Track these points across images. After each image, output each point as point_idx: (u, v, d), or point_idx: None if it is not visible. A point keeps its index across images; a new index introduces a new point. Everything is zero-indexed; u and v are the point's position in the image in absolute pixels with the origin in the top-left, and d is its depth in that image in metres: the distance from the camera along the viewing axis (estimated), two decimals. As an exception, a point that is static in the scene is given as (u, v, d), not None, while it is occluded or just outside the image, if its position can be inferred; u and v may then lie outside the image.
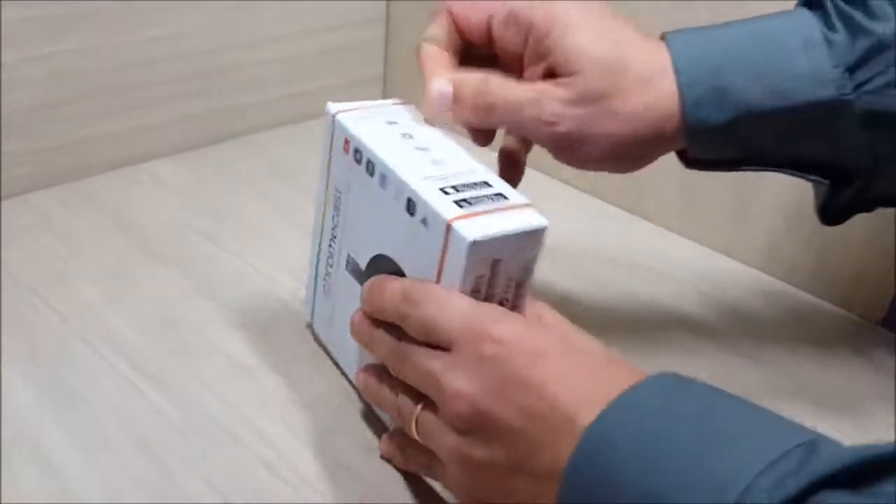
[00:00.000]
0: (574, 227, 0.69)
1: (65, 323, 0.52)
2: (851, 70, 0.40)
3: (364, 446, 0.44)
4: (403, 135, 0.43)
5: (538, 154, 0.79)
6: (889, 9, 0.40)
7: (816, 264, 0.61)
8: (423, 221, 0.38)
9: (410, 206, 0.39)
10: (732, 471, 0.27)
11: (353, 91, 0.85)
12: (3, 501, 0.40)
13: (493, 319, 0.36)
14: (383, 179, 0.41)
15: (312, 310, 0.51)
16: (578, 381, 0.34)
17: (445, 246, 0.37)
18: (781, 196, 0.62)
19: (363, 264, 0.44)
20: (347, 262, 0.46)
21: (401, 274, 0.41)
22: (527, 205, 0.38)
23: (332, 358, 0.50)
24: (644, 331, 0.57)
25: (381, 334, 0.40)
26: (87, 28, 0.65)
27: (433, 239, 0.37)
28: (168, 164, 0.73)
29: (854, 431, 0.47)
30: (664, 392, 0.32)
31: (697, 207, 0.67)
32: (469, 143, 0.45)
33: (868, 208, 0.46)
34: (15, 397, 0.46)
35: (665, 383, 0.32)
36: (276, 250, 0.61)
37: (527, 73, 0.44)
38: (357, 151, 0.43)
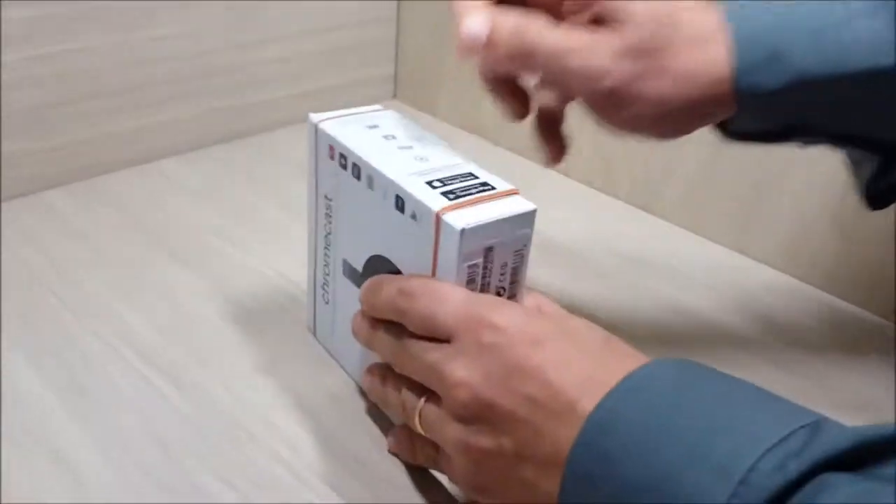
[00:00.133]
0: (586, 225, 0.69)
1: (79, 321, 0.53)
2: None
3: (377, 443, 0.44)
4: (385, 136, 0.43)
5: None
6: None
7: (835, 263, 0.61)
8: (413, 216, 0.38)
9: (399, 204, 0.39)
10: (735, 453, 0.27)
11: (364, 90, 0.87)
12: (19, 498, 0.40)
13: (491, 308, 0.36)
14: (370, 181, 0.41)
15: (314, 319, 0.52)
16: (578, 366, 0.33)
17: (437, 238, 0.37)
18: (799, 193, 0.61)
19: (359, 267, 0.44)
20: (344, 267, 0.46)
21: (397, 272, 0.41)
22: (513, 191, 0.39)
23: (339, 364, 0.50)
24: (657, 329, 0.57)
25: (381, 333, 0.40)
26: (98, 27, 0.66)
27: (424, 233, 0.37)
28: (181, 162, 0.74)
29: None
30: (666, 376, 0.32)
31: (712, 205, 0.67)
32: (451, 139, 0.46)
33: None
34: (30, 394, 0.46)
35: (667, 367, 0.32)
36: (290, 248, 0.61)
37: (567, 23, 0.40)
38: (342, 157, 0.43)
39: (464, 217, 0.36)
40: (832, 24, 0.38)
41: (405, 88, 0.90)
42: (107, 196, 0.68)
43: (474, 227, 0.36)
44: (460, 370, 0.35)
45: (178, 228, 0.64)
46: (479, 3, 0.40)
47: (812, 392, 0.51)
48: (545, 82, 0.44)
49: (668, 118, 0.40)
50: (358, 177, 0.42)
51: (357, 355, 0.46)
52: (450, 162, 0.41)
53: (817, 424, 0.28)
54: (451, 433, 0.35)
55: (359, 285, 0.43)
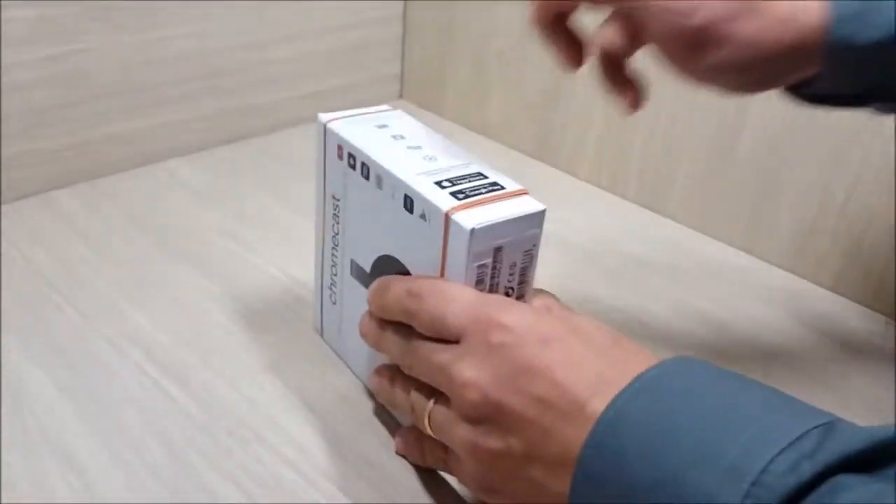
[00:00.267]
0: (593, 224, 0.69)
1: (86, 321, 0.53)
2: None
3: (385, 443, 0.44)
4: (394, 136, 0.43)
5: (556, 150, 0.79)
6: None
7: (841, 263, 0.61)
8: (423, 216, 0.38)
9: (408, 203, 0.39)
10: (747, 454, 0.27)
11: (370, 90, 0.87)
12: (26, 497, 0.40)
13: (500, 308, 0.36)
14: (379, 180, 0.41)
15: (321, 320, 0.52)
16: (587, 365, 0.33)
17: (446, 238, 0.37)
18: (805, 193, 0.61)
19: (367, 267, 0.44)
20: (351, 267, 0.46)
21: (405, 273, 0.41)
22: (522, 192, 0.39)
23: (346, 365, 0.50)
24: (664, 328, 0.57)
25: (389, 334, 0.40)
26: (103, 28, 0.66)
27: (434, 232, 0.37)
28: (188, 162, 0.74)
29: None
30: (677, 375, 0.32)
31: (719, 205, 0.67)
32: (456, 138, 0.45)
33: None
34: (37, 394, 0.46)
35: (678, 367, 0.32)
36: (297, 249, 0.61)
37: None
38: (351, 156, 0.43)
39: (473, 217, 0.36)
40: None
41: (411, 88, 0.90)
42: (113, 196, 0.68)
43: (484, 227, 0.36)
44: (469, 371, 0.34)
45: (184, 229, 0.64)
46: None
47: (818, 392, 0.51)
48: (619, 18, 0.41)
49: (753, 65, 0.38)
50: (367, 177, 0.42)
51: (364, 356, 0.46)
52: (459, 162, 0.41)
53: (831, 425, 0.28)
54: (459, 434, 0.35)
55: (366, 286, 0.43)
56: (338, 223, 0.46)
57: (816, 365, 0.54)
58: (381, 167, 0.40)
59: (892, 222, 0.57)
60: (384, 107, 0.48)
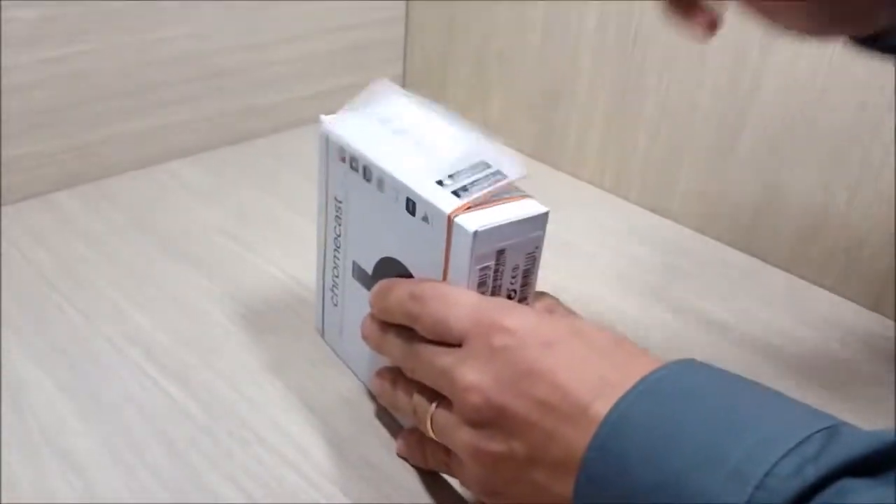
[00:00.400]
0: (596, 226, 0.69)
1: (87, 321, 0.53)
2: None
3: (386, 445, 0.44)
4: (395, 131, 0.43)
5: (557, 150, 0.79)
6: None
7: (843, 265, 0.61)
8: (425, 219, 0.38)
9: (410, 206, 0.39)
10: (751, 457, 0.27)
11: (372, 90, 0.86)
12: (27, 498, 0.40)
13: (502, 311, 0.36)
14: (381, 183, 0.41)
15: (322, 321, 0.52)
16: (589, 368, 0.33)
17: (449, 240, 0.37)
18: (807, 195, 0.61)
19: (369, 269, 0.44)
20: (353, 269, 0.46)
21: (408, 275, 0.41)
22: (525, 196, 0.39)
23: (347, 366, 0.50)
24: (667, 330, 0.57)
25: (391, 337, 0.40)
26: (106, 29, 0.66)
27: (436, 235, 0.37)
28: (189, 163, 0.74)
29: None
30: (681, 378, 0.32)
31: (722, 207, 0.67)
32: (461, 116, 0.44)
33: None
34: (38, 394, 0.46)
35: (682, 369, 0.32)
36: (299, 250, 0.61)
37: None
38: (353, 159, 0.43)
39: (476, 219, 0.36)
40: None
41: (413, 88, 0.90)
42: (115, 197, 0.68)
43: (487, 230, 0.36)
44: (471, 374, 0.34)
45: (186, 230, 0.64)
46: None
47: (820, 394, 0.51)
48: None
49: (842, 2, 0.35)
50: (368, 179, 0.42)
51: (366, 358, 0.46)
52: (461, 150, 0.40)
53: (834, 429, 0.28)
54: (462, 438, 0.35)
55: (368, 288, 0.43)
56: (340, 225, 0.46)
57: (818, 367, 0.54)
58: (383, 170, 0.40)
59: (893, 223, 0.57)
60: (383, 82, 0.46)
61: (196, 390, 0.47)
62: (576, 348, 0.34)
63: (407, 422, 0.44)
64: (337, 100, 0.46)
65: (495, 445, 0.34)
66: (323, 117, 0.46)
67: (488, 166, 0.39)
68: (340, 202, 0.45)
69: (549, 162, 0.79)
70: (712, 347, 0.55)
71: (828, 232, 0.61)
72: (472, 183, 0.38)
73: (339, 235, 0.47)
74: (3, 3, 0.60)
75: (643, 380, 0.31)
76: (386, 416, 0.46)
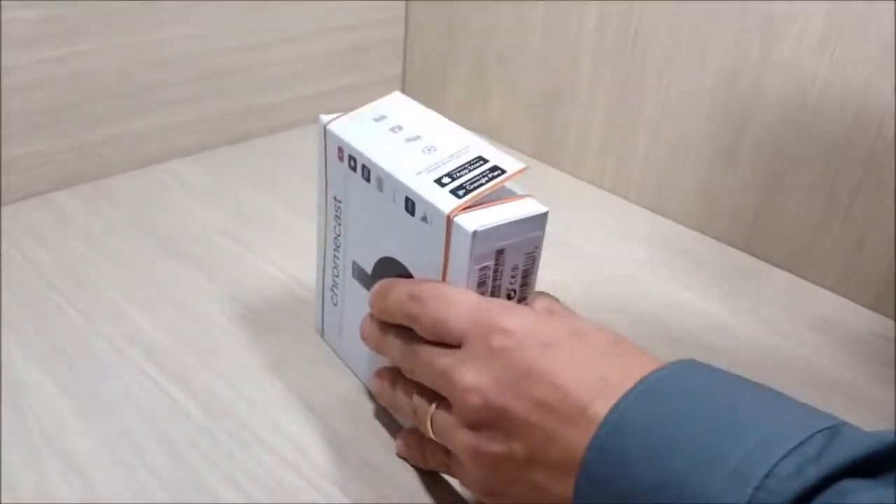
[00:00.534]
0: (595, 225, 0.69)
1: (87, 321, 0.53)
2: None
3: (386, 445, 0.44)
4: (393, 128, 0.43)
5: (557, 150, 0.80)
6: None
7: (845, 265, 0.61)
8: (424, 219, 0.38)
9: (409, 206, 0.39)
10: (751, 457, 0.27)
11: (372, 90, 0.86)
12: (27, 498, 0.40)
13: (501, 312, 0.36)
14: (380, 183, 0.41)
15: (322, 321, 0.52)
16: (589, 368, 0.33)
17: (448, 240, 0.37)
18: (808, 195, 0.61)
19: (369, 269, 0.44)
20: (353, 269, 0.46)
21: (407, 275, 0.41)
22: (525, 195, 0.38)
23: (347, 366, 0.50)
24: (667, 330, 0.57)
25: (391, 337, 0.40)
26: (106, 29, 0.66)
27: (435, 235, 0.37)
28: (189, 163, 0.74)
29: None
30: (681, 378, 0.32)
31: (722, 207, 0.67)
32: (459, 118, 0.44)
33: None
34: (38, 395, 0.46)
35: (682, 370, 0.32)
36: (299, 250, 0.61)
37: None
38: (352, 158, 0.43)
39: (476, 219, 0.36)
40: None
41: (413, 88, 0.90)
42: (115, 197, 0.68)
43: (487, 230, 0.36)
44: (470, 376, 0.34)
45: (186, 230, 0.64)
46: None
47: (821, 394, 0.51)
48: None
49: None
50: (367, 179, 0.42)
51: (365, 357, 0.46)
52: (459, 148, 0.40)
53: (835, 429, 0.28)
54: (462, 439, 0.35)
55: (368, 287, 0.43)
56: (339, 224, 0.46)
57: (819, 366, 0.54)
58: (382, 169, 0.40)
59: (893, 223, 0.57)
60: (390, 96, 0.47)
61: (196, 391, 0.47)
62: (575, 349, 0.34)
63: (406, 422, 0.44)
64: (337, 100, 0.46)
65: (495, 447, 0.34)
66: (322, 116, 0.46)
67: (486, 161, 0.39)
68: (340, 202, 0.45)
69: (549, 162, 0.79)
70: (713, 348, 0.55)
71: (828, 232, 0.61)
72: (471, 181, 0.38)
73: (338, 235, 0.47)
74: (3, 3, 0.60)
75: (643, 380, 0.31)
76: (385, 415, 0.46)
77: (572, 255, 0.65)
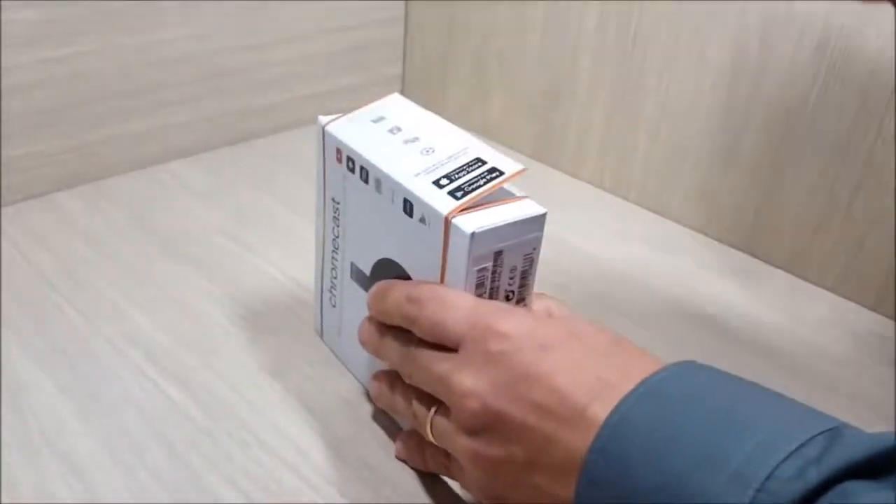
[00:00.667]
0: (595, 226, 0.69)
1: (87, 322, 0.53)
2: None
3: (385, 446, 0.44)
4: (391, 129, 0.43)
5: (557, 150, 0.80)
6: None
7: (845, 265, 0.61)
8: (422, 220, 0.38)
9: (408, 207, 0.39)
10: (752, 460, 0.27)
11: (372, 90, 0.87)
12: (27, 498, 0.40)
13: (498, 315, 0.36)
14: (378, 184, 0.41)
15: (321, 322, 0.52)
16: (587, 369, 0.33)
17: (446, 241, 0.37)
18: (808, 196, 0.61)
19: (367, 271, 0.44)
20: (352, 270, 0.46)
21: (406, 276, 0.41)
22: (523, 196, 0.38)
23: (345, 367, 0.50)
24: (667, 330, 0.57)
25: (389, 341, 0.40)
26: (106, 29, 0.66)
27: (434, 236, 0.37)
28: (189, 164, 0.74)
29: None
30: (682, 380, 0.32)
31: (722, 207, 0.67)
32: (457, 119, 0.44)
33: None
34: (38, 395, 0.46)
35: (683, 371, 0.32)
36: (299, 250, 0.61)
37: None
38: (350, 160, 0.43)
39: (474, 220, 0.36)
40: None
41: (413, 89, 0.90)
42: (115, 198, 0.68)
43: (485, 231, 0.36)
44: (468, 380, 0.34)
45: (186, 230, 0.64)
46: None
47: (821, 394, 0.51)
48: None
49: None
50: (366, 180, 0.42)
51: (364, 359, 0.46)
52: (457, 149, 0.40)
53: (836, 431, 0.27)
54: (462, 444, 0.35)
55: (366, 289, 0.43)
56: (338, 226, 0.46)
57: (819, 367, 0.54)
58: (380, 171, 0.40)
59: (893, 223, 0.57)
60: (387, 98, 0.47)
61: (195, 391, 0.47)
62: (573, 350, 0.34)
63: (406, 423, 0.44)
64: (336, 100, 0.46)
65: (494, 450, 0.34)
66: (320, 118, 0.46)
67: (485, 163, 0.39)
68: (338, 203, 0.45)
69: (548, 162, 0.79)
70: (713, 348, 0.55)
71: (828, 232, 0.61)
72: (470, 183, 0.37)
73: (337, 237, 0.47)
74: (3, 3, 0.60)
75: (644, 382, 0.31)
76: (384, 417, 0.46)
77: (572, 255, 0.65)
